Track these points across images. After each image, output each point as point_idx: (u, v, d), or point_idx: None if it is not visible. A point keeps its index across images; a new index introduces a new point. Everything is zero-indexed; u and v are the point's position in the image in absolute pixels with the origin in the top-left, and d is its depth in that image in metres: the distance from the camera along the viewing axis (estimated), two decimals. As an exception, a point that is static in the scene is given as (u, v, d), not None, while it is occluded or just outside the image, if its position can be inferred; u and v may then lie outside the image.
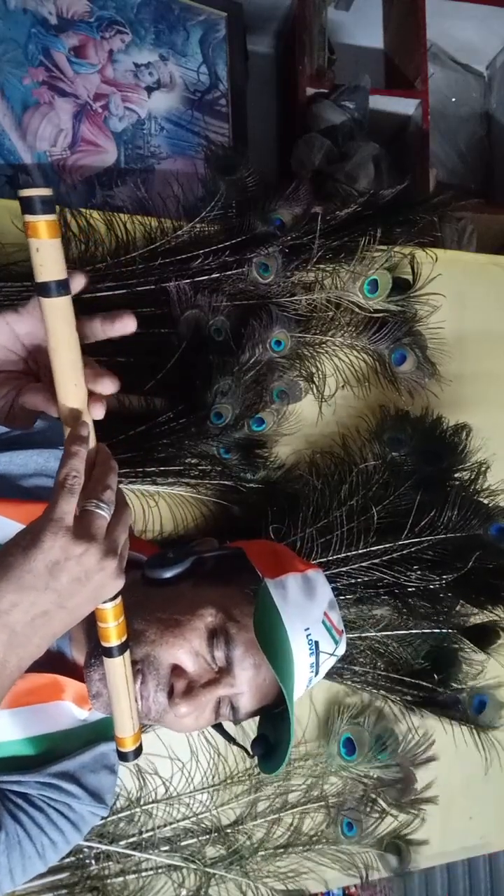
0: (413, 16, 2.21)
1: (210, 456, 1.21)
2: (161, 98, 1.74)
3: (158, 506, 1.22)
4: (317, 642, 0.69)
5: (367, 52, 2.40)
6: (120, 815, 1.17)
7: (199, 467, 1.21)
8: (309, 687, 0.72)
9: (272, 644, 0.64)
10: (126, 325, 0.53)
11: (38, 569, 0.48)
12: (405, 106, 2.19)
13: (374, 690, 1.24)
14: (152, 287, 1.18)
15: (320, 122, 1.98)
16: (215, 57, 1.81)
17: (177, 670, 0.65)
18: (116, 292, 1.17)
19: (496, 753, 1.29)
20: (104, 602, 0.56)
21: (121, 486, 1.13)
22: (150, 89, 1.73)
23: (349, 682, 1.24)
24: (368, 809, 1.30)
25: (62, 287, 0.48)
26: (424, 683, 1.22)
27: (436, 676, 1.23)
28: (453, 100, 2.54)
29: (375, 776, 1.28)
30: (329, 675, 1.23)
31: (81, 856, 1.15)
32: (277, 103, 2.32)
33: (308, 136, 1.95)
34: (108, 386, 0.51)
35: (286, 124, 2.24)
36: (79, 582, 0.50)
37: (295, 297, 1.28)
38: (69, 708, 0.67)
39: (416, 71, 2.20)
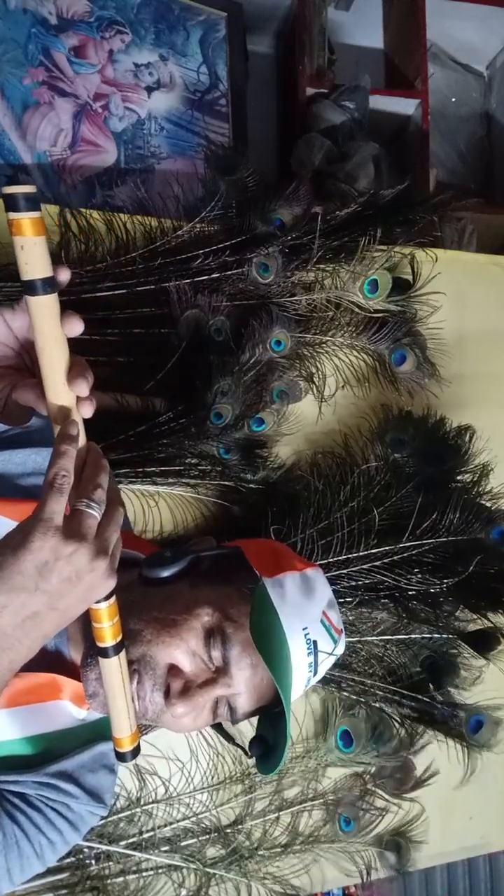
0: (413, 16, 2.21)
1: (210, 456, 1.21)
2: (161, 98, 1.74)
3: (158, 506, 1.22)
4: (315, 642, 0.68)
5: (367, 52, 2.40)
6: (120, 815, 1.17)
7: (199, 467, 1.21)
8: (307, 687, 0.72)
9: (268, 643, 0.64)
10: (72, 327, 0.51)
11: (28, 570, 0.48)
12: (405, 106, 2.19)
13: (373, 703, 1.23)
14: (152, 287, 1.18)
15: (320, 122, 1.98)
16: (215, 57, 1.81)
17: (173, 670, 0.64)
18: (116, 292, 1.17)
19: (496, 756, 1.29)
20: (98, 602, 0.55)
21: (120, 485, 1.14)
22: (150, 89, 1.73)
23: (347, 693, 1.24)
24: (367, 805, 1.30)
25: (48, 285, 0.47)
26: (422, 697, 1.22)
27: (432, 687, 1.23)
28: (453, 100, 2.53)
29: (374, 766, 1.28)
30: (327, 684, 1.23)
31: (82, 856, 1.15)
32: (277, 103, 2.32)
33: (308, 136, 1.95)
34: (80, 388, 0.51)
35: (286, 124, 2.24)
36: (69, 582, 0.49)
37: (295, 297, 1.28)
38: (67, 707, 0.67)
39: (416, 71, 2.20)
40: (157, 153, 1.72)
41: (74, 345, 0.52)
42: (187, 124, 1.76)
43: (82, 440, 0.53)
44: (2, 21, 1.56)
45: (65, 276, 0.50)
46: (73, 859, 1.14)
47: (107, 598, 0.56)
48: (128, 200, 1.59)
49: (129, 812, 1.18)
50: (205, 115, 1.79)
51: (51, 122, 1.61)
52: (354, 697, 1.24)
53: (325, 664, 0.71)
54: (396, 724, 1.24)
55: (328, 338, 1.32)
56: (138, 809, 1.19)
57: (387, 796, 1.31)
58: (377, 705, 1.23)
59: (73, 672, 0.66)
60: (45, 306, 0.48)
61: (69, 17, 1.64)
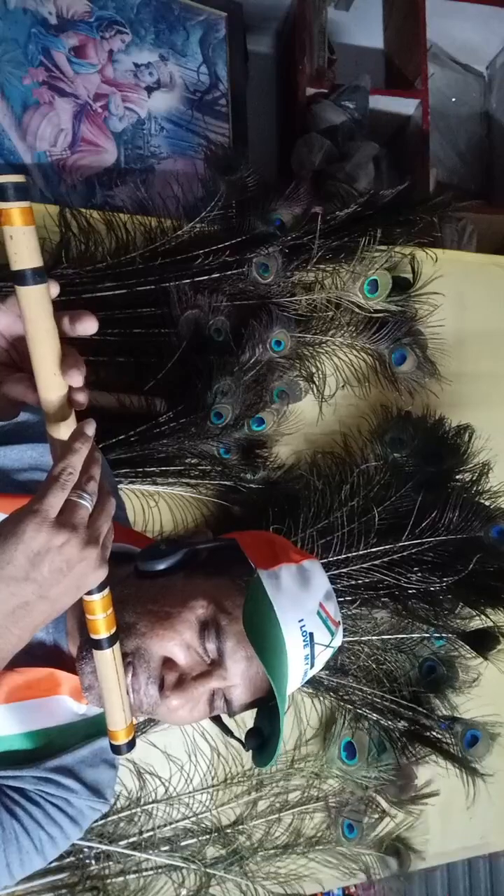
0: (413, 16, 2.21)
1: (210, 456, 1.21)
2: (161, 98, 1.74)
3: (158, 506, 1.22)
4: (311, 633, 0.68)
5: (367, 52, 2.40)
6: (120, 815, 1.17)
7: (200, 467, 1.21)
8: (305, 679, 0.72)
9: (262, 635, 0.64)
10: (87, 327, 0.52)
11: (19, 559, 0.49)
12: (405, 106, 2.19)
13: (370, 714, 1.23)
14: (152, 287, 1.18)
15: (320, 122, 1.98)
16: (215, 57, 1.81)
17: (168, 663, 0.64)
18: (116, 292, 1.17)
19: (497, 757, 1.29)
20: (92, 594, 0.56)
21: (120, 485, 1.14)
22: (150, 89, 1.73)
23: (346, 700, 1.24)
24: (368, 809, 1.30)
25: (38, 275, 0.47)
26: (420, 709, 1.22)
27: (431, 691, 1.23)
28: (453, 100, 2.54)
29: (376, 777, 1.28)
30: (326, 692, 1.23)
31: (82, 856, 1.15)
32: (277, 103, 2.32)
33: (308, 136, 1.95)
34: (74, 378, 0.51)
35: (286, 124, 2.24)
36: (60, 572, 0.50)
37: (295, 297, 1.28)
38: (66, 702, 0.67)
39: (416, 71, 2.20)
40: (157, 153, 1.72)
41: (75, 344, 0.52)
42: (187, 124, 1.76)
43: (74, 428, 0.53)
44: (2, 21, 1.56)
45: (53, 291, 0.50)
46: (73, 859, 1.14)
47: (100, 589, 0.56)
48: (128, 200, 1.59)
49: (129, 812, 1.18)
50: (205, 115, 1.79)
51: (51, 122, 1.61)
52: (351, 707, 1.23)
53: (323, 656, 0.71)
54: (394, 742, 1.24)
55: (328, 338, 1.32)
56: (138, 809, 1.19)
57: (386, 804, 1.30)
58: (374, 717, 1.22)
59: (71, 667, 0.66)
60: (35, 297, 0.48)
61: (69, 17, 1.65)
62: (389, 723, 1.23)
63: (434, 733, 1.24)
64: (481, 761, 1.28)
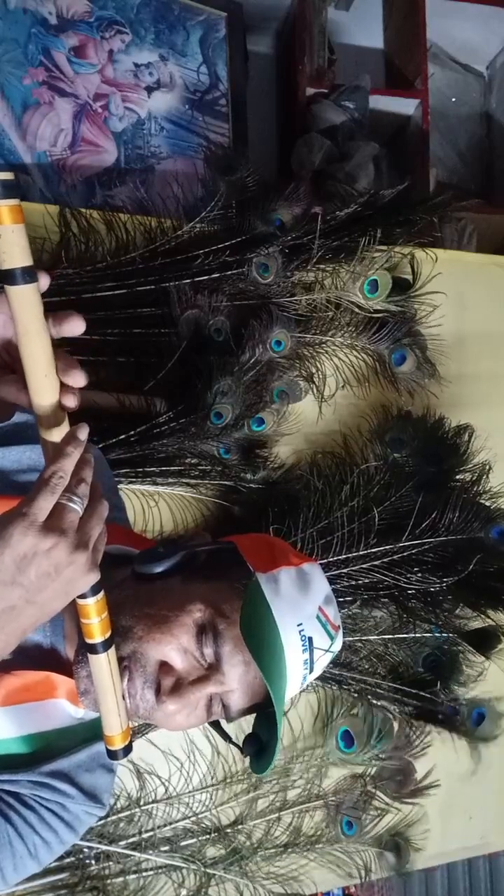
0: (413, 16, 2.21)
1: (210, 456, 1.21)
2: (161, 98, 1.74)
3: (158, 506, 1.22)
4: (310, 638, 0.67)
5: (367, 52, 2.39)
6: (120, 815, 1.17)
7: (200, 467, 1.21)
8: (304, 684, 0.71)
9: (259, 639, 0.63)
10: (74, 327, 0.52)
11: (6, 563, 0.48)
12: (405, 106, 2.19)
13: (375, 700, 1.23)
14: (152, 287, 1.18)
15: (320, 122, 1.98)
16: (215, 57, 1.81)
17: (165, 667, 0.63)
18: (116, 292, 1.17)
19: (497, 756, 1.29)
20: (85, 597, 0.55)
21: (120, 486, 1.14)
22: (150, 89, 1.73)
23: (349, 690, 1.24)
24: (367, 805, 1.30)
25: (28, 274, 0.46)
26: (424, 694, 1.22)
27: (437, 683, 1.23)
28: (453, 100, 2.53)
29: (374, 767, 1.28)
30: (328, 683, 1.23)
31: (82, 856, 1.15)
32: (277, 103, 2.31)
33: (308, 136, 1.95)
34: (77, 379, 0.51)
35: (286, 124, 2.24)
36: (47, 577, 0.50)
37: (295, 297, 1.28)
38: (63, 706, 0.66)
39: (416, 71, 2.20)
40: (157, 153, 1.72)
41: (75, 344, 0.52)
42: (187, 124, 1.76)
43: (66, 430, 0.53)
44: (2, 21, 1.56)
45: (43, 282, 0.49)
46: (72, 859, 1.14)
47: (94, 593, 0.55)
48: (128, 200, 1.59)
49: (128, 812, 1.18)
50: (205, 115, 1.79)
51: (51, 122, 1.61)
52: (356, 696, 1.24)
53: (322, 661, 0.70)
54: (399, 721, 1.24)
55: (328, 338, 1.32)
56: (138, 809, 1.19)
57: (387, 799, 1.31)
58: (379, 703, 1.22)
59: (69, 670, 0.66)
60: (25, 296, 0.47)
61: (69, 17, 1.65)
62: (394, 707, 1.23)
63: (439, 709, 1.24)
64: (490, 740, 1.28)
